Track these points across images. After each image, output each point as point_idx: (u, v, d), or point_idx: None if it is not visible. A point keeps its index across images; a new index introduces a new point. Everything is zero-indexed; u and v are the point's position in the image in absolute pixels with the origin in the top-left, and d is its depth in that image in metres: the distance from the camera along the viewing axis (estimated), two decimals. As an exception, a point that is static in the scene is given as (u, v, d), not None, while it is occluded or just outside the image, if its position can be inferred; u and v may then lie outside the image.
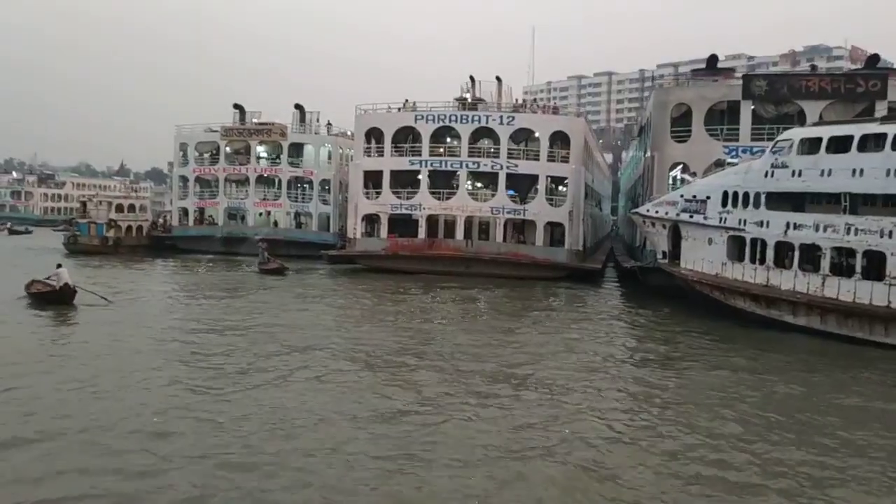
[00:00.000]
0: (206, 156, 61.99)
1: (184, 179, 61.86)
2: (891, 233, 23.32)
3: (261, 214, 60.02)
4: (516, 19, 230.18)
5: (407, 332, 24.51)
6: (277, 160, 59.41)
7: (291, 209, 58.66)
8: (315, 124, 59.87)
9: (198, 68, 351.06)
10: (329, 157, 58.66)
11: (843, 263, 24.81)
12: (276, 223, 58.95)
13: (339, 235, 54.65)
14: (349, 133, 59.38)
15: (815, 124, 28.50)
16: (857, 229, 24.21)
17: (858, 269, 24.14)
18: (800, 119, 34.38)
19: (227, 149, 60.33)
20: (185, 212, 61.48)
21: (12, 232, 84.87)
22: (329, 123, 60.57)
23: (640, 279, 37.14)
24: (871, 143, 24.33)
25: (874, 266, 23.87)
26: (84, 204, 59.00)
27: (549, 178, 44.85)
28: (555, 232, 44.92)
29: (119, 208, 57.94)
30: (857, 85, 34.72)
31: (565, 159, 44.41)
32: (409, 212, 46.00)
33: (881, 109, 33.54)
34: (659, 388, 17.86)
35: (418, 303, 32.47)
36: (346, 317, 28.45)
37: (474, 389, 16.97)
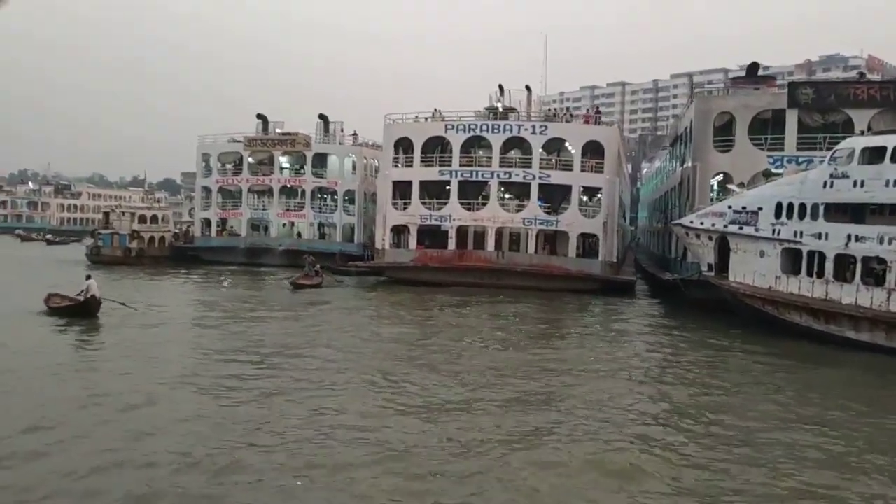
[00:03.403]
0: (228, 166, 61.52)
1: (206, 190, 61.38)
2: (964, 245, 22.37)
3: (284, 225, 59.45)
4: (528, 27, 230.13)
5: (445, 351, 23.36)
6: (301, 170, 58.87)
7: (315, 220, 58.05)
8: (339, 134, 59.27)
9: (213, 79, 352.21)
10: (353, 168, 58.03)
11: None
12: (299, 234, 58.35)
13: (363, 246, 53.97)
14: (371, 143, 58.88)
15: (877, 133, 27.55)
16: (926, 242, 23.27)
17: (929, 283, 23.19)
18: (846, 128, 33.44)
19: (251, 159, 59.84)
20: (207, 222, 60.92)
21: (50, 242, 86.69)
22: (354, 133, 60.03)
23: (681, 292, 36.17)
24: (941, 152, 23.42)
25: (945, 280, 22.93)
26: (107, 215, 58.53)
27: (583, 189, 44.00)
28: (588, 243, 44.05)
29: (142, 219, 57.42)
30: (906, 93, 33.79)
31: (598, 169, 43.54)
32: (438, 223, 45.23)
33: (933, 118, 32.66)
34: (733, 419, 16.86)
35: (454, 317, 31.53)
36: (382, 338, 27.27)
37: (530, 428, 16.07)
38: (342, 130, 59.72)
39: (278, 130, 60.23)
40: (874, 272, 24.94)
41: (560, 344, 26.02)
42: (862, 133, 29.08)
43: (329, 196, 58.75)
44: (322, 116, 59.96)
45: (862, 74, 41.67)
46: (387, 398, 16.65)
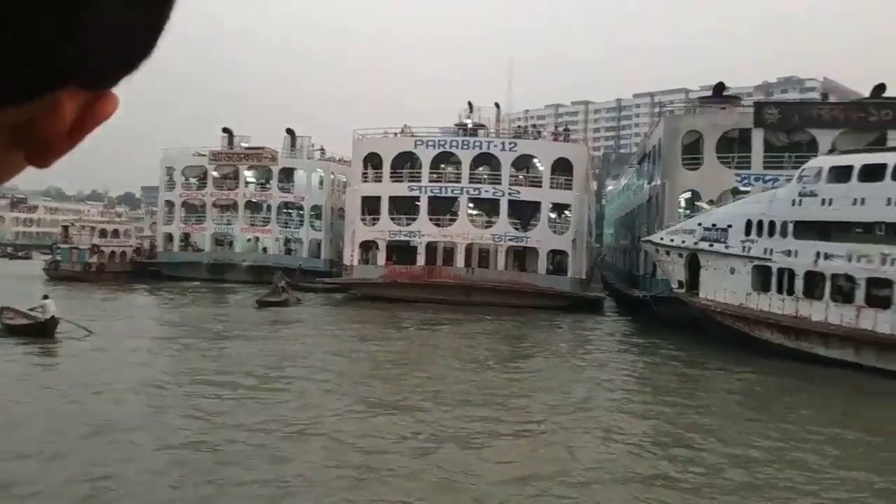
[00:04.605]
0: (192, 180, 60.56)
1: (169, 204, 60.30)
2: (931, 263, 22.79)
3: (249, 240, 58.56)
4: (494, 48, 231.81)
5: (411, 370, 23.01)
6: (267, 185, 58.19)
7: (281, 235, 57.34)
8: (307, 149, 58.75)
9: (176, 94, 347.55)
10: (321, 183, 57.52)
11: (878, 294, 24.21)
12: (264, 249, 57.54)
13: (330, 262, 53.42)
14: (340, 159, 58.50)
15: (843, 152, 28.07)
16: (893, 259, 23.66)
17: (896, 300, 23.55)
18: (811, 147, 34.09)
19: (215, 173, 59.01)
20: (169, 237, 59.80)
21: (12, 257, 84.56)
22: (322, 149, 59.57)
23: (650, 309, 36.34)
24: (907, 171, 23.88)
25: (912, 297, 23.32)
26: (66, 228, 57.25)
27: (552, 205, 44.17)
28: (557, 260, 44.15)
29: (102, 233, 56.20)
30: (869, 114, 34.59)
31: (567, 186, 43.78)
32: (407, 239, 44.99)
33: (893, 139, 33.43)
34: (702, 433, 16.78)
35: (423, 335, 31.20)
36: (347, 355, 26.85)
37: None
38: (312, 145, 59.21)
39: (244, 145, 59.50)
40: (843, 289, 25.27)
41: (531, 363, 25.74)
42: (830, 152, 29.63)
43: (295, 211, 58.10)
44: (289, 131, 59.47)
45: (825, 96, 42.65)
46: (359, 420, 16.17)
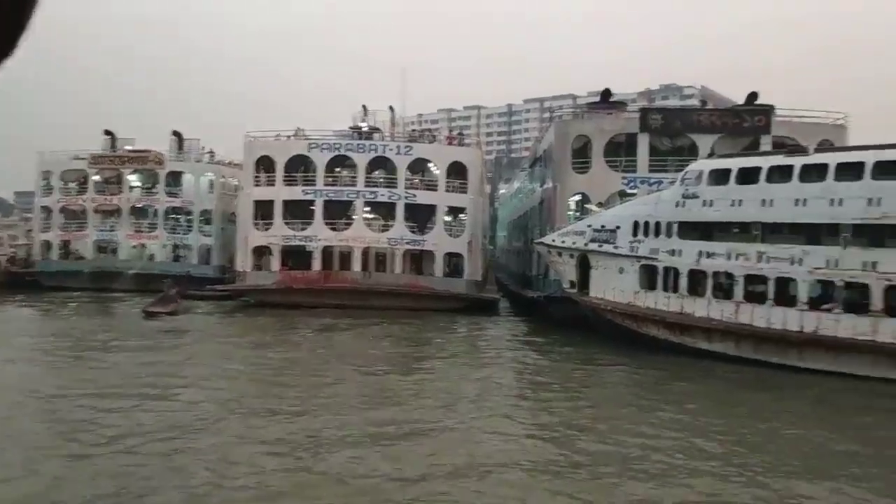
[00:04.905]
0: (72, 185, 57.42)
1: (46, 210, 56.93)
2: (800, 260, 24.40)
3: (134, 247, 56.01)
4: (386, 56, 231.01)
5: (308, 375, 22.83)
6: (153, 190, 55.88)
7: (168, 241, 55.19)
8: (195, 152, 56.81)
9: (54, 95, 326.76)
10: (211, 187, 55.78)
11: (755, 290, 25.72)
12: (151, 256, 55.22)
13: (221, 268, 51.89)
14: (230, 162, 56.94)
15: (722, 156, 29.67)
16: (768, 257, 25.19)
17: (771, 295, 25.08)
18: (692, 151, 35.81)
19: (97, 177, 56.17)
20: (48, 245, 56.47)
21: None
22: (211, 152, 57.75)
23: (544, 309, 37.24)
24: (778, 174, 25.48)
25: (785, 292, 24.89)
26: (-72, 237, 52.97)
27: (448, 209, 44.56)
28: (453, 262, 44.55)
29: (-29, 242, 52.37)
30: (743, 120, 36.69)
31: (462, 189, 44.29)
32: (302, 243, 44.30)
33: (766, 143, 35.61)
34: (586, 424, 17.59)
35: (321, 341, 30.79)
36: (240, 363, 26.05)
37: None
38: (202, 148, 57.31)
39: (127, 147, 56.92)
40: (723, 286, 26.71)
41: (431, 365, 25.98)
42: (710, 156, 31.28)
43: (184, 216, 56.06)
44: (176, 133, 57.34)
45: (704, 102, 44.97)
46: (250, 434, 15.68)
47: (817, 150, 26.53)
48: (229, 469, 13.18)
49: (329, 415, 17.40)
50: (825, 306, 24.02)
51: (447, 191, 44.16)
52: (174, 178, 55.79)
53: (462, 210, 45.05)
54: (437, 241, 43.80)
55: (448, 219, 45.37)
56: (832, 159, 24.65)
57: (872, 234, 23.31)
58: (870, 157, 23.55)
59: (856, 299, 23.40)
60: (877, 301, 22.78)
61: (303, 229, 44.37)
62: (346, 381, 21.93)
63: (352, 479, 12.81)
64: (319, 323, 34.93)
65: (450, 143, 47.98)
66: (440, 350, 29.26)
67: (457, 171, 44.64)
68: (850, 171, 23.80)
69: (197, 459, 13.68)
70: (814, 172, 24.67)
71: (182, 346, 28.53)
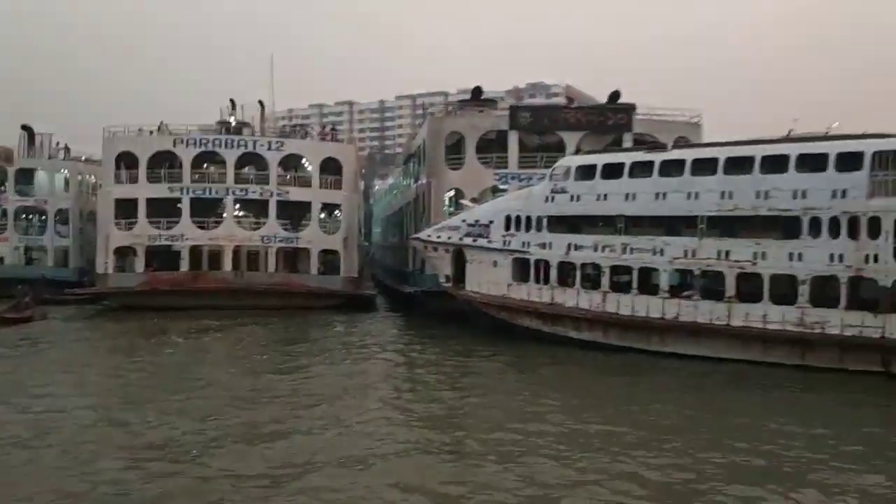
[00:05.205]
0: None
1: None
2: (661, 251, 25.77)
3: (-19, 250, 51.71)
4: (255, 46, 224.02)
5: (178, 380, 22.00)
6: (1, 188, 51.83)
7: (20, 243, 51.34)
8: (48, 148, 53.14)
9: None
10: (66, 185, 52.33)
11: (620, 280, 26.95)
12: (1, 259, 51.21)
13: (80, 271, 48.91)
14: (87, 158, 53.74)
15: (588, 152, 30.84)
16: (632, 248, 26.46)
17: (635, 284, 26.36)
18: (559, 148, 37.08)
19: (-63, 177, 51.46)
20: None
21: None
22: (66, 147, 54.18)
23: (422, 304, 37.50)
24: (640, 169, 26.79)
25: (648, 281, 26.23)
26: None
27: (322, 205, 43.97)
28: (328, 260, 44.01)
29: None
30: (606, 118, 38.33)
31: (337, 186, 43.84)
32: (169, 243, 42.45)
33: (628, 140, 37.37)
34: (459, 413, 18.28)
35: (190, 345, 29.69)
36: (103, 370, 24.71)
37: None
38: (58, 144, 53.64)
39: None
40: (591, 277, 27.82)
41: (309, 363, 25.56)
42: (576, 152, 32.47)
43: (37, 216, 52.41)
44: (26, 127, 53.37)
45: (570, 101, 46.55)
46: (118, 444, 14.95)
47: (675, 147, 28.08)
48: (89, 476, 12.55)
49: (198, 418, 16.86)
50: (684, 294, 25.51)
51: (321, 187, 43.56)
52: (26, 175, 51.94)
53: (337, 207, 44.64)
54: (312, 238, 43.15)
55: (323, 216, 44.80)
56: (689, 155, 26.20)
57: (725, 226, 24.96)
58: (722, 154, 25.19)
59: (712, 286, 24.96)
60: (730, 288, 24.39)
61: (169, 228, 42.53)
62: (219, 384, 21.23)
63: (226, 480, 12.65)
64: (189, 326, 33.58)
65: (323, 139, 47.43)
66: (317, 348, 28.89)
67: (331, 167, 44.12)
68: (705, 167, 25.38)
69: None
70: (672, 168, 26.13)
71: (39, 354, 26.72)
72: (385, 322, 37.40)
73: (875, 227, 22.12)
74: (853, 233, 22.46)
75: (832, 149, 23.24)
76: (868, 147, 22.72)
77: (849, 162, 22.80)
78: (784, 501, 11.98)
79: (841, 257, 22.60)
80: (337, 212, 44.92)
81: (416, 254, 39.47)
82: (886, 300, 21.88)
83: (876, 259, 22.05)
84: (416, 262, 41.02)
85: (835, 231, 22.77)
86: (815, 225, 23.03)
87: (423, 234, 35.34)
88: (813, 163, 23.46)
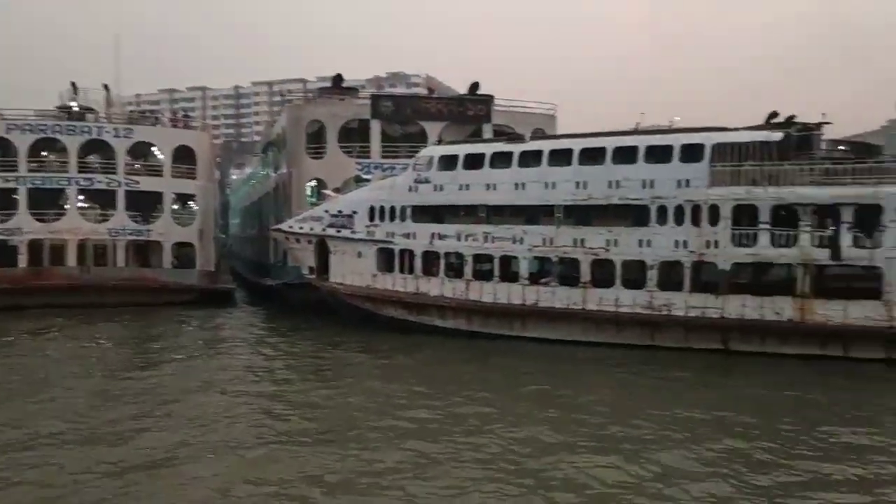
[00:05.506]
0: None
1: None
2: (521, 239, 26.54)
3: None
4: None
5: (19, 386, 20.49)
6: None
7: None
8: None
9: None
10: None
11: (483, 268, 27.54)
12: None
13: None
14: None
15: (450, 142, 31.20)
16: (493, 237, 27.08)
17: (497, 272, 27.01)
18: (422, 138, 37.31)
19: None
20: None
21: None
22: None
23: (284, 297, 36.74)
24: (500, 160, 27.43)
25: (509, 269, 26.97)
26: None
27: (175, 196, 41.97)
28: (183, 253, 42.11)
29: None
30: (467, 109, 38.95)
31: (191, 175, 41.97)
32: (4, 238, 39.15)
33: (487, 131, 38.18)
34: (320, 404, 18.30)
35: (31, 348, 27.48)
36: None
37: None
38: None
39: None
40: (454, 266, 28.25)
41: (165, 362, 24.43)
42: (438, 143, 32.78)
43: None
44: None
45: (431, 91, 46.91)
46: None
47: (533, 138, 28.98)
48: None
49: (49, 417, 15.98)
50: (543, 280, 26.42)
51: (174, 177, 41.55)
52: None
53: (191, 197, 42.73)
54: (165, 230, 41.11)
55: (176, 207, 42.75)
56: (546, 147, 27.11)
57: (580, 214, 26.03)
58: (577, 146, 26.22)
59: (569, 273, 25.98)
60: (585, 274, 25.49)
61: (3, 221, 39.23)
62: (64, 386, 19.88)
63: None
64: (28, 327, 31.05)
65: (175, 126, 45.25)
66: (172, 346, 27.68)
67: (184, 155, 42.11)
68: (561, 158, 26.34)
69: None
70: (531, 159, 26.95)
71: None
72: (245, 317, 36.32)
73: (715, 214, 23.75)
74: (696, 220, 24.01)
75: (676, 141, 24.75)
76: (708, 140, 24.36)
77: (691, 154, 24.34)
78: (620, 472, 12.78)
79: (685, 243, 24.11)
80: (191, 202, 42.97)
81: (278, 245, 38.59)
82: (725, 283, 23.58)
83: (716, 244, 23.69)
84: (278, 254, 40.12)
85: (679, 219, 24.24)
86: (662, 213, 24.45)
87: (284, 226, 34.61)
88: (659, 154, 24.87)
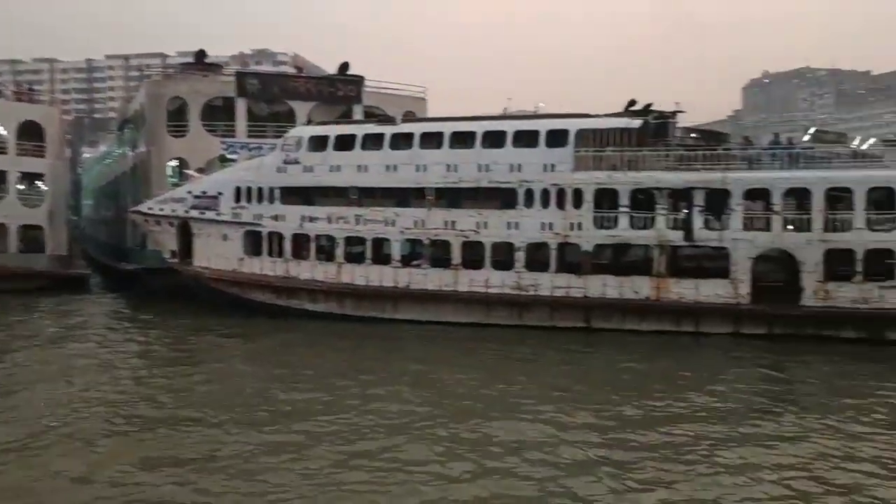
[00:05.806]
0: None
1: None
2: (393, 221, 26.55)
3: None
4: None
5: None
6: None
7: None
8: None
9: None
10: None
11: (354, 251, 27.36)
12: None
13: None
14: None
15: (320, 123, 30.63)
16: (365, 219, 26.93)
17: (369, 255, 26.90)
18: (290, 118, 36.48)
19: None
20: None
21: None
22: None
23: (144, 282, 35.01)
24: (371, 142, 27.26)
25: (381, 252, 26.93)
26: None
27: (21, 175, 38.93)
28: (31, 236, 39.18)
29: None
30: (337, 89, 38.39)
31: (39, 153, 39.03)
32: None
33: (358, 112, 37.81)
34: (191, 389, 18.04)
35: None
36: None
37: None
38: None
39: None
40: (325, 249, 27.88)
41: (14, 354, 22.68)
42: (308, 123, 32.15)
43: None
44: None
45: (299, 70, 45.84)
46: None
47: (404, 121, 28.93)
48: None
49: None
50: (415, 262, 26.56)
51: (19, 154, 38.51)
52: None
53: (40, 177, 39.77)
54: (10, 212, 37.97)
55: (22, 187, 39.68)
56: (417, 129, 27.19)
57: (451, 197, 26.32)
58: (448, 129, 26.46)
59: (440, 255, 26.25)
60: (456, 256, 25.83)
61: None
62: None
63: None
64: None
65: (19, 100, 41.87)
66: (19, 334, 25.74)
67: (30, 131, 39.01)
68: (432, 141, 26.50)
69: None
70: (402, 141, 26.94)
71: None
72: (101, 303, 34.32)
73: (578, 197, 24.65)
74: (560, 203, 24.83)
75: (543, 126, 25.48)
76: (572, 126, 25.23)
77: (556, 139, 25.14)
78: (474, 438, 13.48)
79: (551, 226, 24.89)
80: (39, 182, 40.02)
81: (136, 228, 36.65)
82: (587, 263, 24.58)
83: (580, 227, 24.61)
84: (136, 238, 38.11)
85: (545, 202, 25.00)
86: (529, 196, 25.12)
87: (143, 207, 32.89)
88: (527, 139, 25.53)
